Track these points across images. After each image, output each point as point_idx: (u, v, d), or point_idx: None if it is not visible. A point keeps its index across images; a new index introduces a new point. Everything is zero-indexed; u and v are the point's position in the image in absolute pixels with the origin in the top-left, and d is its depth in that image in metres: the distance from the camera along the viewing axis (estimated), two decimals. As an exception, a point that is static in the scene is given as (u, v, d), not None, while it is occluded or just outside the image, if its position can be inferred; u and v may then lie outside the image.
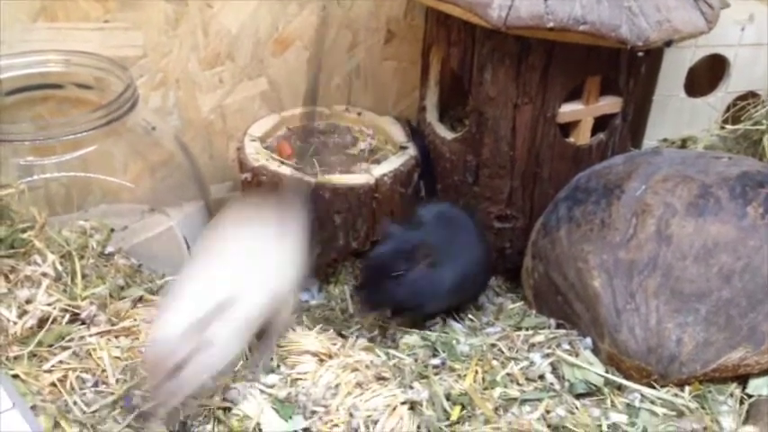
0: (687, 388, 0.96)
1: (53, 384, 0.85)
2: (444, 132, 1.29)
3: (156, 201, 1.27)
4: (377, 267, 1.04)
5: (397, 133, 1.33)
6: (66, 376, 0.85)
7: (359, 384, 0.91)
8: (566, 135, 1.22)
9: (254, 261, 0.87)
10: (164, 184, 1.28)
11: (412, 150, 1.29)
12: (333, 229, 1.22)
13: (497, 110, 1.17)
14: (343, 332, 1.12)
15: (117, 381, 0.86)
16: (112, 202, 1.28)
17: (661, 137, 1.40)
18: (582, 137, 1.22)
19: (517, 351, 1.00)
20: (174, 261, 1.24)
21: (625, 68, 1.19)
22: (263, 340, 0.90)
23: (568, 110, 1.19)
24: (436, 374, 0.95)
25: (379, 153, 1.31)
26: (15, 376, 0.84)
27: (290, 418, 0.85)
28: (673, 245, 0.99)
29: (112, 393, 0.85)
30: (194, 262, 0.87)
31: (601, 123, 1.23)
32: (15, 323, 0.90)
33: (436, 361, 0.98)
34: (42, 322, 0.91)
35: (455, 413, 0.89)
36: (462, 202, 1.26)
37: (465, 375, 0.95)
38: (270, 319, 0.89)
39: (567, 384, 0.95)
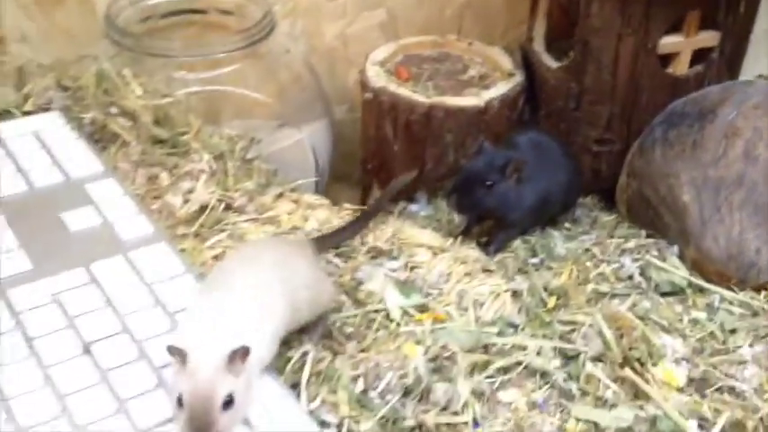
0: (763, 292, 1.06)
1: (213, 258, 1.01)
2: (550, 61, 1.39)
3: (285, 117, 1.42)
4: (471, 175, 1.16)
5: (505, 62, 1.44)
6: (223, 252, 1.02)
7: (467, 274, 1.04)
8: (665, 66, 1.31)
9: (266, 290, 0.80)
10: (293, 102, 1.43)
11: (519, 78, 1.40)
12: (444, 146, 1.35)
13: (602, 40, 1.27)
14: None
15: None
16: (245, 119, 1.44)
17: (757, 72, 1.47)
18: (680, 68, 1.31)
19: (609, 255, 1.12)
20: (304, 170, 1.40)
21: (724, 4, 1.27)
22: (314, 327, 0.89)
23: (669, 42, 1.28)
24: (535, 270, 1.08)
25: (487, 79, 1.42)
26: (182, 250, 1.00)
27: (409, 296, 0.99)
28: (759, 165, 1.09)
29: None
30: (207, 291, 0.81)
31: (699, 56, 1.32)
32: (180, 208, 1.06)
33: (535, 260, 1.11)
34: (202, 209, 1.07)
35: (551, 302, 1.02)
36: (563, 126, 1.37)
37: (561, 273, 1.08)
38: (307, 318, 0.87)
39: (653, 284, 1.07)
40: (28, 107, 1.19)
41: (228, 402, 0.69)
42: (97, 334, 0.86)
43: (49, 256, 0.96)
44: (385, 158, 1.40)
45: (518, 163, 1.12)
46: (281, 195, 1.14)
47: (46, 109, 1.20)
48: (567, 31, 1.44)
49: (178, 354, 0.70)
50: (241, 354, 0.70)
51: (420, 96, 1.32)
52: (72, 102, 1.19)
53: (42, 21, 1.39)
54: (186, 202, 1.08)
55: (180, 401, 0.69)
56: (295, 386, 0.85)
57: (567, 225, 1.23)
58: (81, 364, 0.83)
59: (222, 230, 1.05)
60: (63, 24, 1.41)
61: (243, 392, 0.72)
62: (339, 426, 0.82)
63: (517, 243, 1.15)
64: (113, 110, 1.16)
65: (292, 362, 0.88)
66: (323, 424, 0.82)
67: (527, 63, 1.43)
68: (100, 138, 1.16)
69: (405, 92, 1.33)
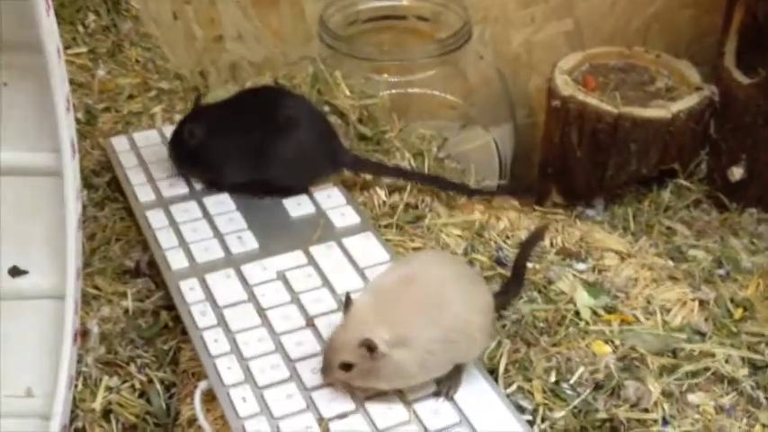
0: None
1: (413, 249, 1.10)
2: (741, 77, 1.40)
3: (472, 119, 1.50)
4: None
5: (693, 75, 1.47)
6: (423, 245, 1.10)
7: (654, 280, 1.08)
8: None
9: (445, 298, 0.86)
10: (481, 105, 1.51)
11: (706, 91, 1.42)
12: (627, 155, 1.39)
13: (797, 58, 1.28)
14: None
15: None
16: (431, 119, 1.52)
17: None
18: None
19: (797, 271, 1.13)
20: (490, 170, 1.47)
21: None
22: (453, 374, 0.88)
23: None
24: (721, 281, 1.11)
25: (674, 92, 1.45)
26: (387, 240, 1.09)
27: (598, 297, 1.05)
28: None
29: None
30: (385, 279, 0.89)
31: None
32: (384, 202, 1.16)
33: (721, 271, 1.14)
34: (407, 205, 1.16)
35: (738, 313, 1.05)
36: (750, 142, 1.38)
37: (747, 285, 1.10)
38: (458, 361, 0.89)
39: (842, 304, 1.08)
40: (248, 102, 1.31)
41: (346, 366, 0.82)
42: (317, 309, 0.97)
43: (273, 238, 1.07)
44: (567, 164, 1.45)
45: (191, 129, 1.10)
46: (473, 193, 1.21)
47: (263, 104, 1.32)
48: (757, 47, 1.45)
49: (345, 308, 0.85)
50: (368, 345, 0.80)
51: (608, 106, 1.37)
52: (287, 99, 1.31)
53: (257, 22, 1.53)
54: (391, 194, 1.17)
55: None
56: (492, 372, 0.93)
57: (753, 240, 1.25)
58: (305, 335, 0.94)
59: (419, 225, 1.13)
60: (274, 26, 1.54)
61: (366, 368, 0.82)
62: (534, 412, 0.89)
63: (702, 254, 1.18)
64: (325, 108, 1.27)
65: (489, 349, 0.96)
66: (519, 408, 0.89)
67: (716, 77, 1.44)
68: (312, 133, 1.27)
69: (593, 101, 1.38)
